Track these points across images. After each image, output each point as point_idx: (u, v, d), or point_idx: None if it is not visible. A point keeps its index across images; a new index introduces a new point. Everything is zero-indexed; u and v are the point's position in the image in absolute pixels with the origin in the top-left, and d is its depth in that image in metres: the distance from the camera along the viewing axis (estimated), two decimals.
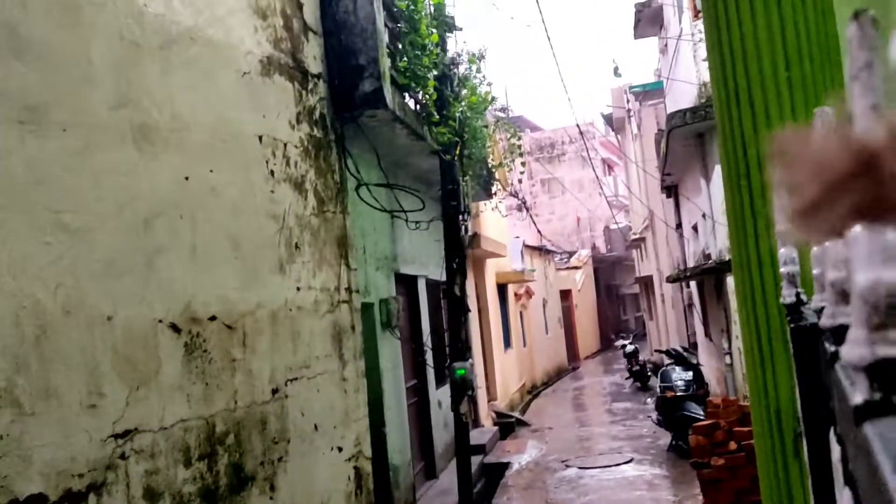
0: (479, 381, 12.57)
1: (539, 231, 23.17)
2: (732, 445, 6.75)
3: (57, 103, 3.25)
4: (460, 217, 8.67)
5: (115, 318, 3.42)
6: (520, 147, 11.33)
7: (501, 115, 14.33)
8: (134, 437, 3.48)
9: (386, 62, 6.48)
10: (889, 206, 0.49)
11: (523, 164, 11.47)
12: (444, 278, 8.86)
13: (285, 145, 5.31)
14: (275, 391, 4.77)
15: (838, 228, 0.52)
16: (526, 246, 19.64)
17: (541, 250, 23.07)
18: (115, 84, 3.64)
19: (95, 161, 3.43)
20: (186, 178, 4.08)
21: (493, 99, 9.89)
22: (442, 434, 9.48)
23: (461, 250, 8.78)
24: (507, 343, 16.72)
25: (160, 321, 3.72)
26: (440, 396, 9.47)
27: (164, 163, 3.92)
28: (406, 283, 8.79)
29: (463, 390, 8.07)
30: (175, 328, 3.83)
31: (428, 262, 9.57)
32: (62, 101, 3.29)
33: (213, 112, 4.43)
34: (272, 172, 5.07)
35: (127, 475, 3.40)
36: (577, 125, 16.34)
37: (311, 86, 5.89)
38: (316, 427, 5.30)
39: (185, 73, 4.21)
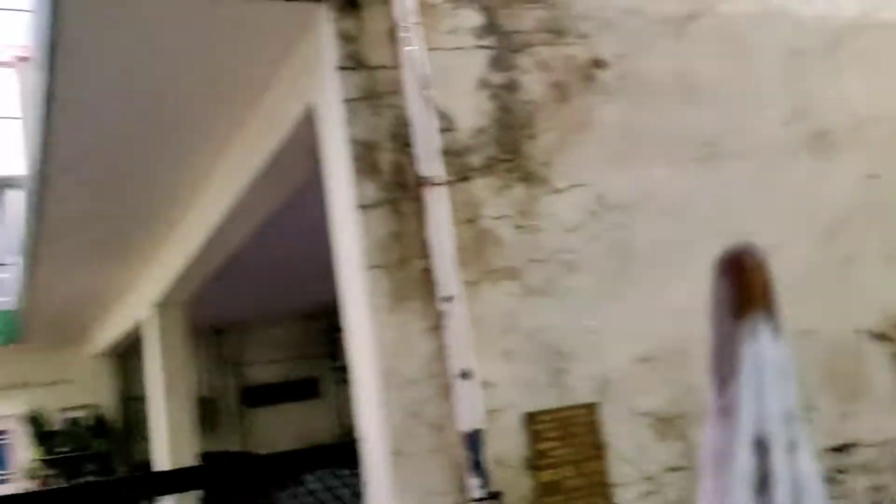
0: None
1: None
2: None
3: (729, 133, 3.50)
4: None
5: (816, 332, 3.44)
6: None
7: None
8: (851, 450, 3.42)
9: None
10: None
11: None
12: None
13: None
14: None
15: None
16: None
17: None
18: (785, 99, 3.72)
19: (772, 179, 3.55)
20: (870, 177, 3.84)
21: None
22: None
23: None
24: None
25: (858, 331, 3.57)
26: None
27: (843, 165, 3.78)
28: None
29: None
30: (879, 337, 3.62)
31: None
32: (734, 131, 3.52)
33: (893, 100, 4.07)
34: None
35: (848, 489, 3.36)
36: None
37: None
38: None
39: (855, 67, 4.00)
